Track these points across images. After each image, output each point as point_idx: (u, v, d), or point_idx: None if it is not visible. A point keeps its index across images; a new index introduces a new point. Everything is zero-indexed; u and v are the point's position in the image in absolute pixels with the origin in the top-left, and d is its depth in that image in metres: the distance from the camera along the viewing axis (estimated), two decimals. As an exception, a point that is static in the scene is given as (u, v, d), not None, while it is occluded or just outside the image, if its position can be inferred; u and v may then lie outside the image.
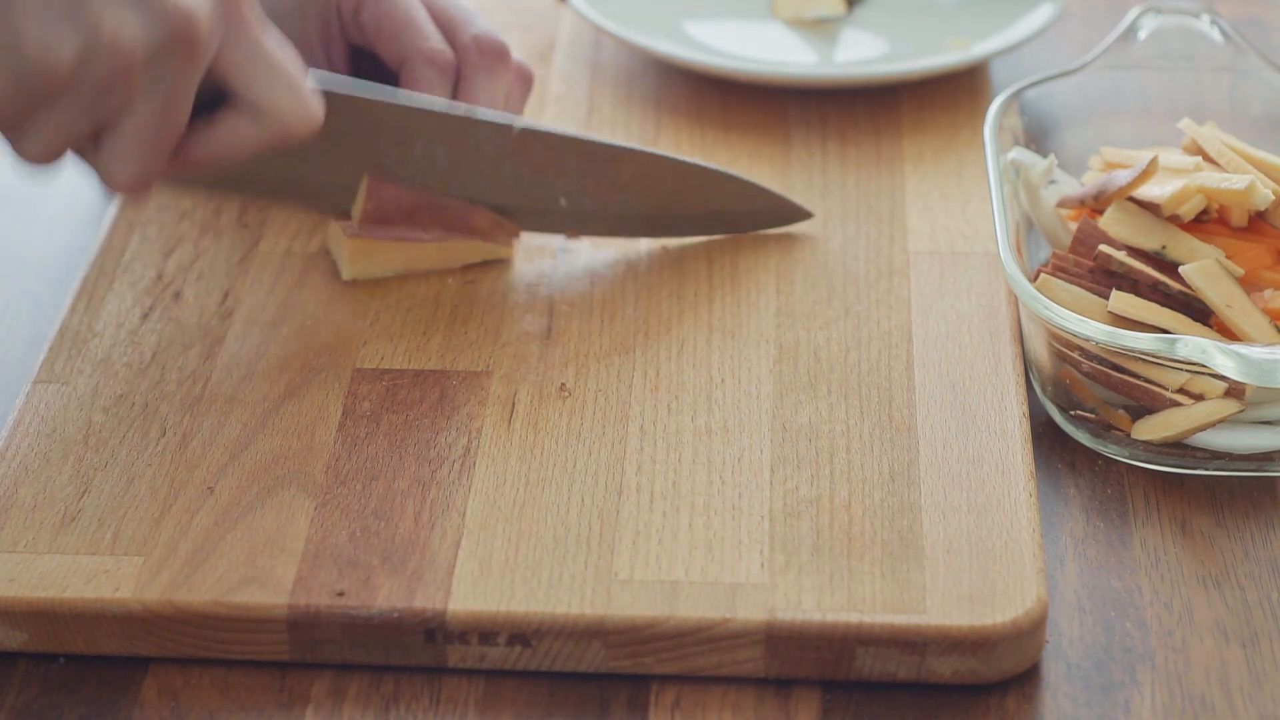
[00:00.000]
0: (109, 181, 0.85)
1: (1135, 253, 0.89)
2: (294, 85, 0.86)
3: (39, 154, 0.84)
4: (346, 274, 0.96)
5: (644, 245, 0.99)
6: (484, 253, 0.98)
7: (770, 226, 1.00)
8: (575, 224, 0.98)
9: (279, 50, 0.86)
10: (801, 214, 1.00)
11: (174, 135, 0.85)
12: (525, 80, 0.99)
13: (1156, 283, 0.88)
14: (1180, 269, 0.88)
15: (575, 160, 0.96)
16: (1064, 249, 0.92)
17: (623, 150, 0.97)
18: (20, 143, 0.84)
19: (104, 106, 0.82)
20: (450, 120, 0.94)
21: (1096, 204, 0.92)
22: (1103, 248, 0.89)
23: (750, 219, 1.00)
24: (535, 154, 0.96)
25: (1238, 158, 0.92)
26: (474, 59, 0.97)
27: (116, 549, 0.83)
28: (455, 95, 0.97)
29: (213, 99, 0.86)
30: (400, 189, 0.95)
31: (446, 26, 0.98)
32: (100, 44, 0.80)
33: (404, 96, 0.94)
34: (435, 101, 0.95)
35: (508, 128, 0.95)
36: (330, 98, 0.91)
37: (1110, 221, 0.90)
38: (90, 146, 0.85)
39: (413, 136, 0.94)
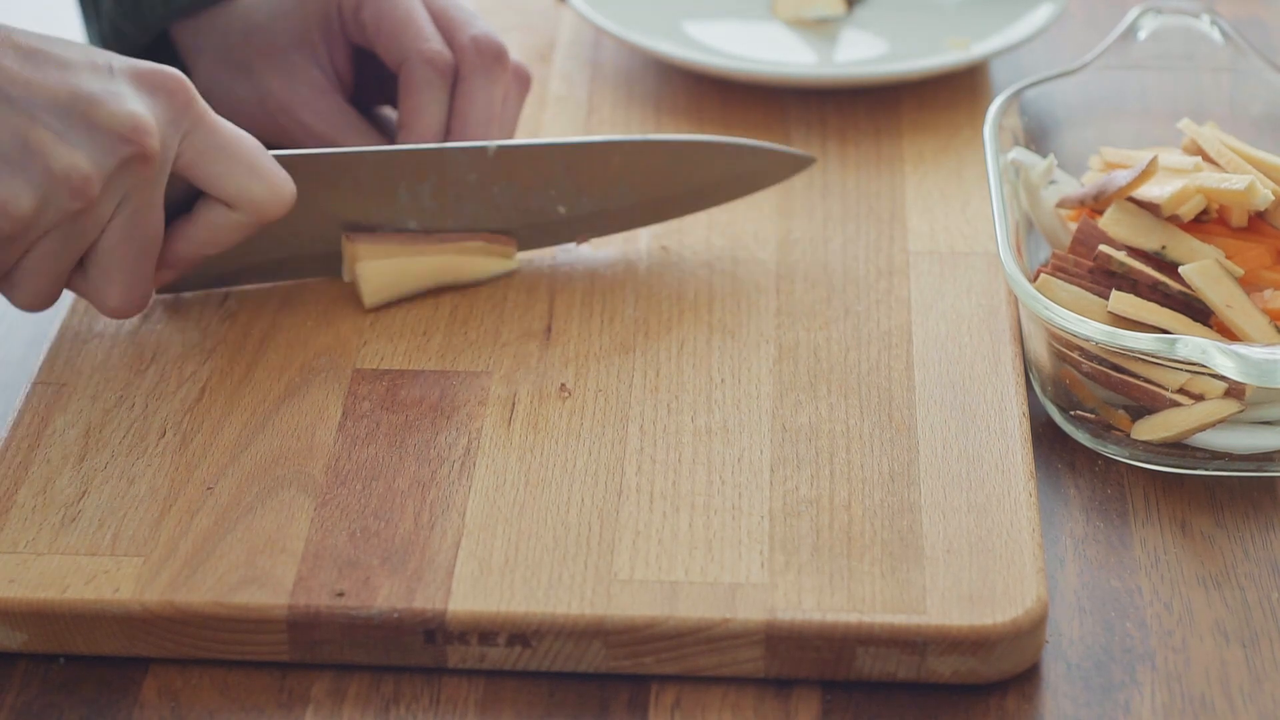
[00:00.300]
0: (103, 307, 0.88)
1: (1135, 253, 0.89)
2: (258, 168, 0.88)
3: (33, 300, 0.87)
4: (369, 302, 0.96)
5: (644, 245, 0.99)
6: (487, 268, 0.97)
7: (776, 181, 0.99)
8: (580, 228, 0.97)
9: (237, 137, 0.87)
10: (803, 161, 0.99)
11: (154, 246, 0.87)
12: (523, 81, 0.99)
13: (1156, 283, 0.88)
14: (1180, 269, 0.88)
15: (562, 164, 0.96)
16: (1064, 249, 0.92)
17: (606, 143, 0.96)
18: (12, 293, 0.86)
19: (78, 237, 0.85)
20: (425, 156, 0.94)
21: (1096, 204, 0.92)
22: (1103, 248, 0.89)
23: (752, 179, 0.99)
24: (520, 169, 0.95)
25: (1237, 158, 0.92)
26: (472, 60, 0.97)
27: (116, 549, 0.83)
28: (453, 96, 0.97)
29: (186, 196, 0.88)
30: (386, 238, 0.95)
31: (446, 27, 0.98)
32: (55, 182, 0.82)
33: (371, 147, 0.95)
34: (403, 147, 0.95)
35: (483, 150, 0.95)
36: (300, 164, 0.91)
37: (1110, 221, 0.90)
38: (79, 277, 0.87)
39: (393, 182, 0.94)
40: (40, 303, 0.87)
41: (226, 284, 0.96)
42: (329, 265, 0.96)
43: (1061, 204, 0.95)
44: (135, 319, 0.95)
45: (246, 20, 1.00)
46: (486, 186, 0.95)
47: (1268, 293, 0.89)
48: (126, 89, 0.84)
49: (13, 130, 0.82)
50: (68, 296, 0.97)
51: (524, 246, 0.97)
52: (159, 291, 0.94)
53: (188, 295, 0.96)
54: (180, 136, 0.86)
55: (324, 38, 1.00)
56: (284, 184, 0.89)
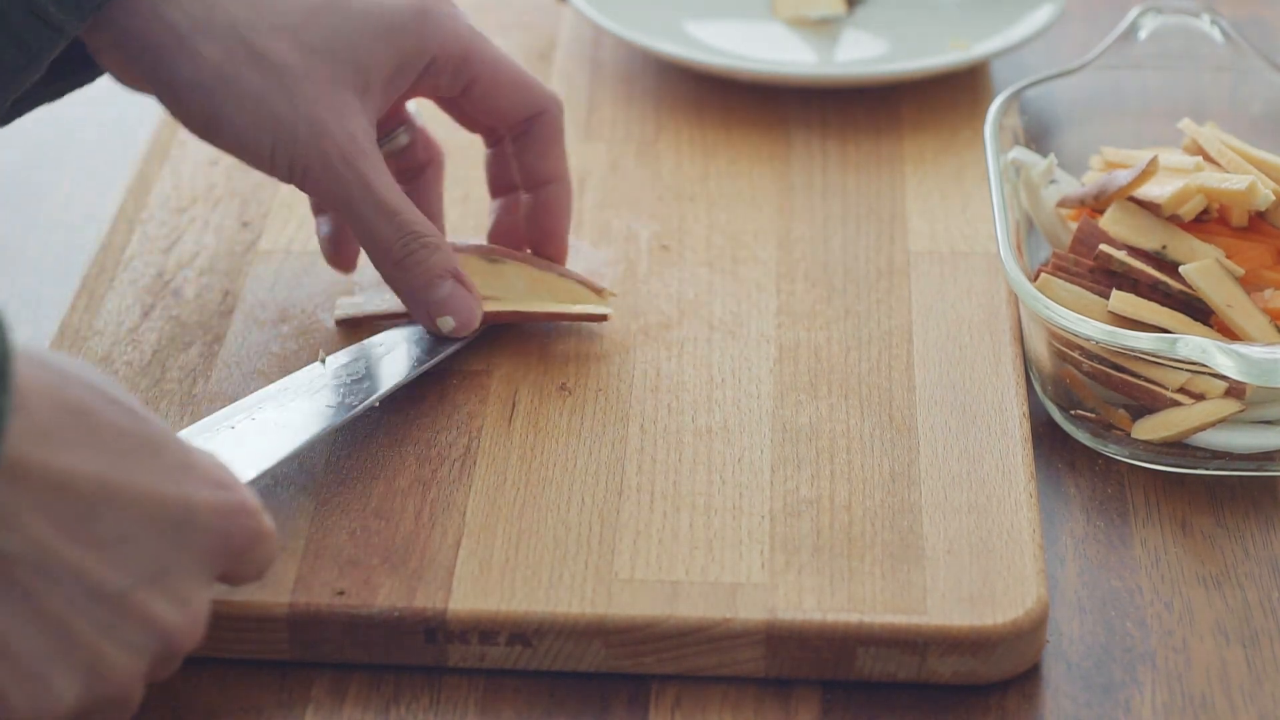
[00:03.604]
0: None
1: (1135, 252, 0.89)
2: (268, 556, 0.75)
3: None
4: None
5: (644, 245, 0.99)
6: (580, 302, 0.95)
7: None
8: None
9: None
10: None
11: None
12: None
13: (1156, 282, 0.88)
14: (1180, 269, 0.88)
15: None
16: (1064, 249, 0.92)
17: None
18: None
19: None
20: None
21: (1096, 204, 0.92)
22: (1103, 248, 0.89)
23: None
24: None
25: (1238, 158, 0.92)
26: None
27: (117, 548, 0.83)
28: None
29: None
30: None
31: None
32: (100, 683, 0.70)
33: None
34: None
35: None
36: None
37: (1110, 221, 0.90)
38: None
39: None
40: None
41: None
42: None
43: (1062, 204, 0.95)
44: (136, 315, 0.95)
45: (281, 17, 0.88)
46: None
47: (1268, 292, 0.89)
48: (189, 572, 0.71)
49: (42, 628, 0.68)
50: (67, 292, 0.97)
51: None
52: None
53: (188, 294, 0.96)
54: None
55: (385, 88, 0.89)
56: (263, 522, 0.74)
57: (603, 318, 0.93)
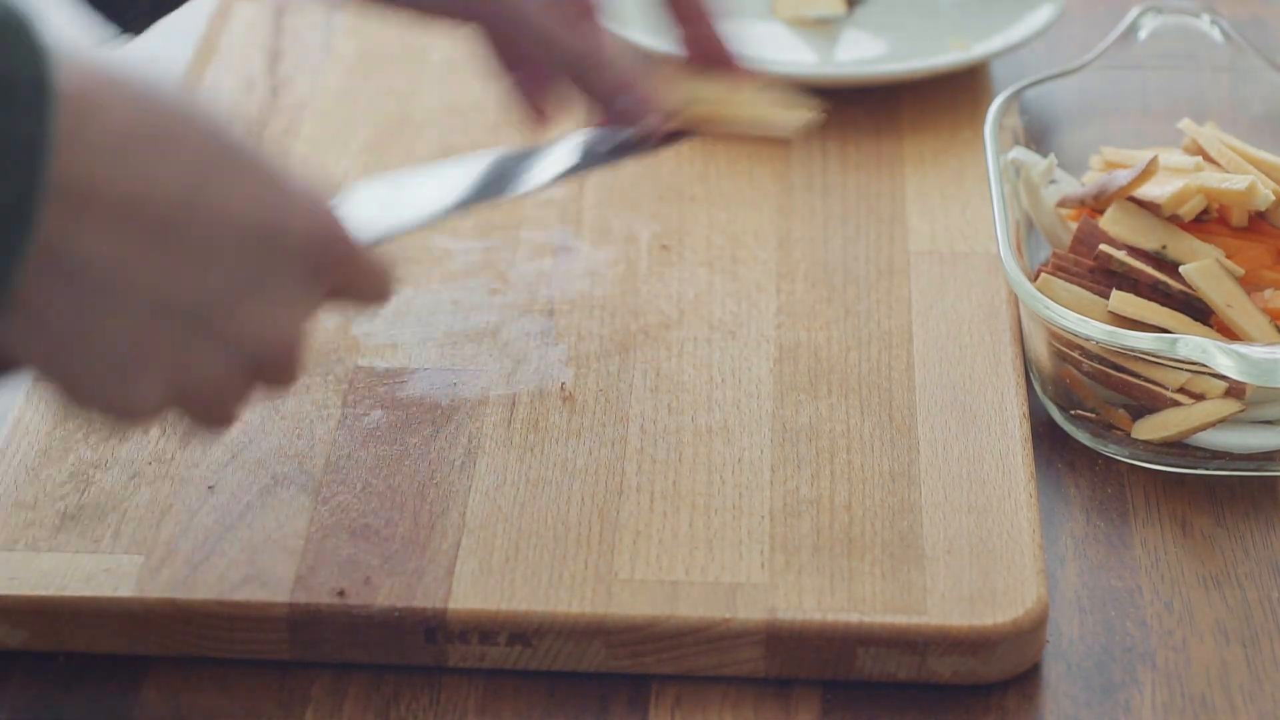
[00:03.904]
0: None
1: (1135, 252, 0.89)
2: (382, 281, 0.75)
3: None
4: None
5: (644, 245, 0.99)
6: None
7: None
8: None
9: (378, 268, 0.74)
10: None
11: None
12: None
13: (1157, 282, 0.88)
14: (1181, 269, 0.88)
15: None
16: (1064, 249, 0.92)
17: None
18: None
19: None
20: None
21: (1096, 204, 0.92)
22: (1103, 247, 0.89)
23: None
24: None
25: (1238, 158, 0.92)
26: None
27: (117, 547, 0.83)
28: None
29: None
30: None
31: None
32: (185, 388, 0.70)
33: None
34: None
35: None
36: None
37: (1110, 221, 0.90)
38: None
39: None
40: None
41: None
42: None
43: (1062, 203, 0.95)
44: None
45: None
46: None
47: (1268, 292, 0.89)
48: (283, 289, 0.70)
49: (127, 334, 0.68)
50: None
51: None
52: None
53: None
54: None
55: None
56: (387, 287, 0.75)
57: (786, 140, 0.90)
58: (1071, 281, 0.89)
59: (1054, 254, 0.91)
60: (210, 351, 0.69)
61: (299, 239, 0.70)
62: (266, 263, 0.69)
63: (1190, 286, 0.88)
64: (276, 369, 0.72)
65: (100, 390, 0.69)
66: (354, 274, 0.73)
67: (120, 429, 0.71)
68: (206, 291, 0.68)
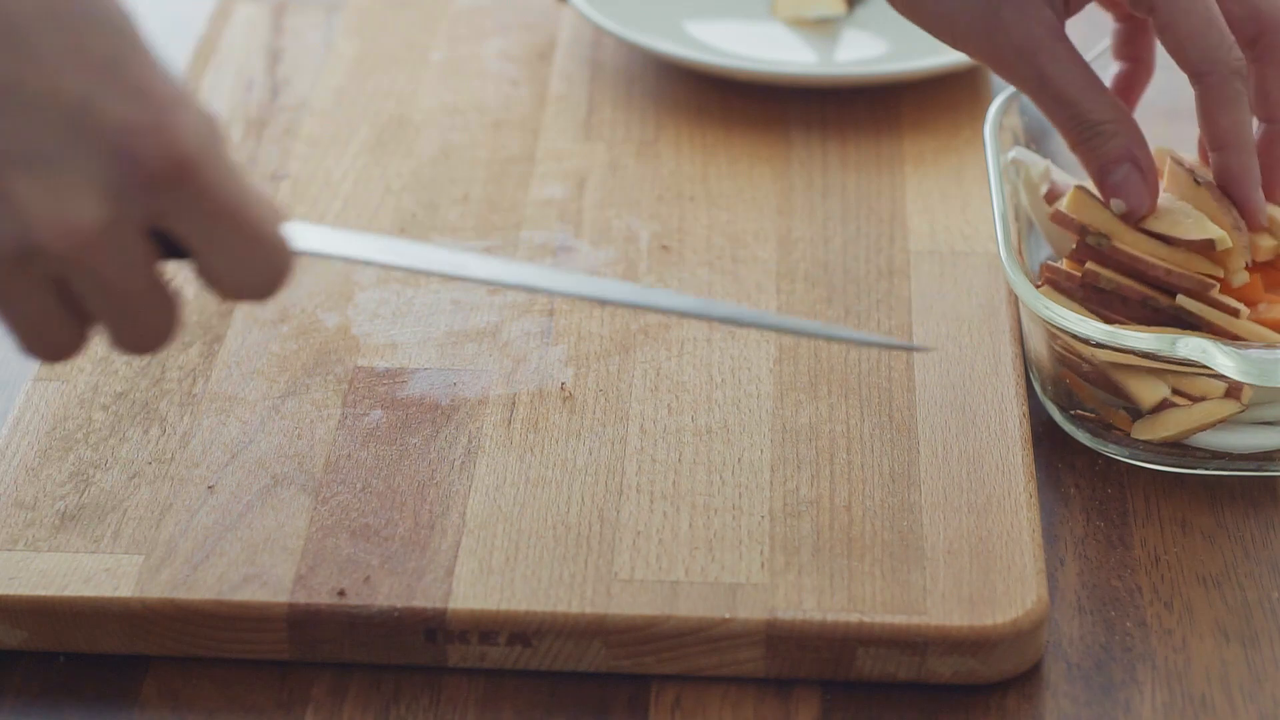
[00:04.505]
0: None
1: (1121, 267, 0.88)
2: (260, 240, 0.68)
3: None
4: None
5: (644, 245, 0.99)
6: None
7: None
8: None
9: (241, 202, 0.67)
10: (918, 349, 0.93)
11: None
12: None
13: (1146, 298, 0.88)
14: (1178, 299, 0.87)
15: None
16: (1064, 250, 0.92)
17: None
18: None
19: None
20: None
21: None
22: (1090, 265, 0.88)
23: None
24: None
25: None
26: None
27: (117, 547, 0.83)
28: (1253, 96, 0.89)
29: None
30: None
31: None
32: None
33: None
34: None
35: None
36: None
37: (1068, 204, 0.89)
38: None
39: None
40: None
41: None
42: None
43: (1049, 198, 0.94)
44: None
45: None
46: None
47: (1262, 306, 0.88)
48: (77, 174, 0.64)
49: None
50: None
51: None
52: None
53: (189, 294, 0.96)
54: (156, 207, 0.66)
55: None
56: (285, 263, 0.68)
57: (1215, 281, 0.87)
58: (1063, 293, 0.89)
59: (1044, 265, 0.90)
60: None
61: (113, 127, 0.63)
62: (66, 137, 0.63)
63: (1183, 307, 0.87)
64: (46, 247, 0.64)
65: None
66: (184, 210, 0.65)
67: None
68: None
